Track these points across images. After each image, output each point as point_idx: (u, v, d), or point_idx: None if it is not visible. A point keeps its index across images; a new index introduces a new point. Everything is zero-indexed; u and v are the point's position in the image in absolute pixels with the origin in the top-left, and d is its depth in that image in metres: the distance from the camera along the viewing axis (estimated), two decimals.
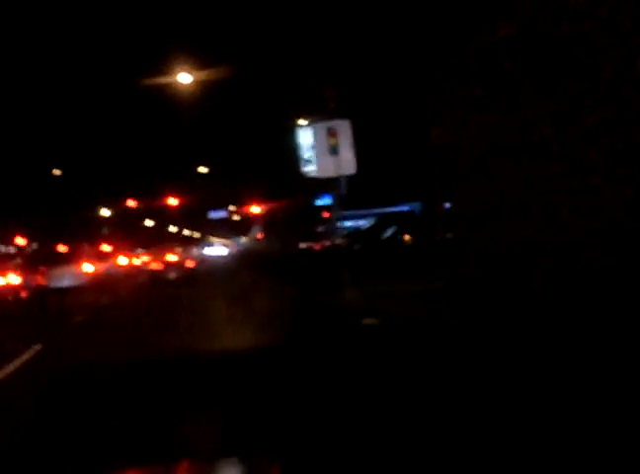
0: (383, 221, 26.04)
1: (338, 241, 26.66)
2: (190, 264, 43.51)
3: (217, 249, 74.73)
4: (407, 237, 22.47)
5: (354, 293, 14.95)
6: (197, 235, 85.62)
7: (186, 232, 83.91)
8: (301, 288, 18.68)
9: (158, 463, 3.22)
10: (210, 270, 43.47)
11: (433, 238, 20.32)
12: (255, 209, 51.16)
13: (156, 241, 58.92)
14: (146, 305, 21.60)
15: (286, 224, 42.94)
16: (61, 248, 38.55)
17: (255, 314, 14.75)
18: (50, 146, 46.64)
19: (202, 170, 55.54)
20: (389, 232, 23.34)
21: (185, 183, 55.59)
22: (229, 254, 65.61)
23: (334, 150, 14.39)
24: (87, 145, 49.39)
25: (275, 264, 28.99)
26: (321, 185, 43.62)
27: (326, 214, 43.00)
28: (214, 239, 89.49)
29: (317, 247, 33.29)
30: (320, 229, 40.66)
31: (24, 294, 30.49)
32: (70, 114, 47.66)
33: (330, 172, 14.54)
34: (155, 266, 43.21)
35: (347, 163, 14.71)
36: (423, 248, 20.53)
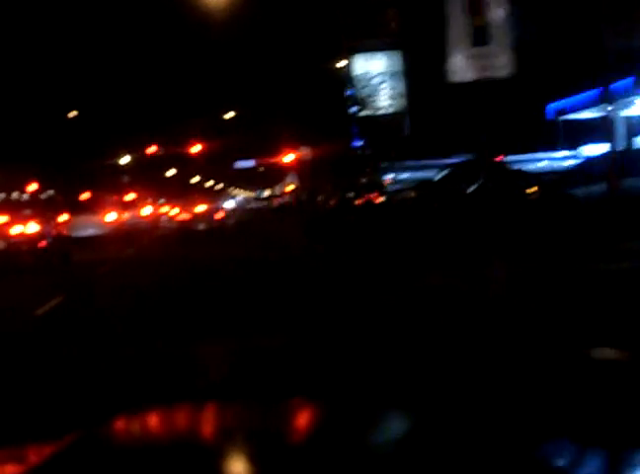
0: (462, 170, 21.43)
1: (402, 194, 22.63)
2: (219, 215, 40.16)
3: (240, 201, 71.16)
4: (533, 189, 17.59)
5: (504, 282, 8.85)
6: (219, 187, 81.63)
7: (209, 183, 79.66)
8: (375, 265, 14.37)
9: (185, 402, 2.98)
10: (242, 223, 40.40)
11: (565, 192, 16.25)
12: (288, 158, 46.03)
13: (178, 192, 55.45)
14: (174, 259, 20.27)
15: (327, 174, 38.58)
16: (83, 196, 35.47)
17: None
18: (66, 85, 42.71)
19: (229, 115, 51.40)
20: (476, 185, 18.92)
21: (210, 129, 51.51)
22: (255, 207, 61.97)
23: (481, 36, 9.93)
24: (105, 85, 45.42)
25: (318, 222, 25.01)
26: (376, 125, 39.57)
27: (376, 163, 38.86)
28: (239, 191, 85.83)
29: (374, 200, 29.43)
30: (366, 180, 36.64)
31: (42, 244, 26.98)
32: (87, 51, 43.70)
33: (470, 73, 10.00)
34: (183, 216, 40.33)
35: (501, 58, 10.14)
36: (563, 206, 15.93)
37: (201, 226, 39.23)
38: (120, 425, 2.16)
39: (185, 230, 38.52)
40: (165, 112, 50.15)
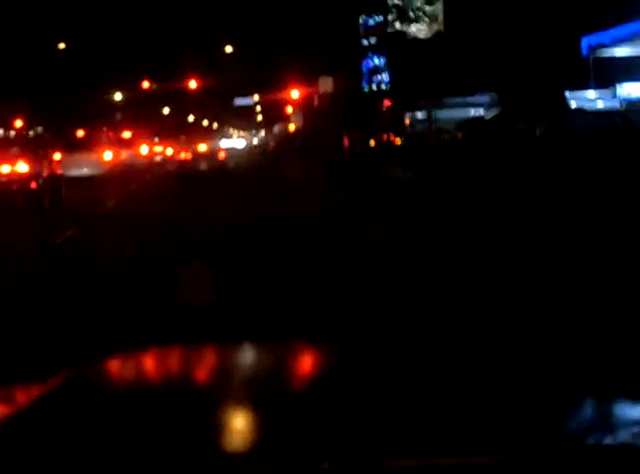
0: (513, 109, 18.97)
1: (446, 135, 20.11)
2: (221, 155, 37.69)
3: (236, 142, 68.30)
4: None
5: None
6: (215, 126, 78.34)
7: (205, 122, 76.28)
8: None
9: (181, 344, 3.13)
10: (246, 165, 37.96)
11: None
12: (294, 94, 42.52)
13: (174, 130, 52.64)
14: (176, 200, 19.03)
15: (337, 113, 35.75)
16: (78, 133, 33.17)
17: None
18: (53, 14, 39.68)
19: (228, 49, 48.25)
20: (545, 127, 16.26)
21: (207, 63, 48.49)
22: (250, 147, 59.16)
23: None
24: (96, 14, 42.37)
25: (348, 167, 21.96)
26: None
27: (387, 102, 36.03)
28: (234, 131, 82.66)
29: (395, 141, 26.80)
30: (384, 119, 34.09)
31: (33, 185, 24.86)
32: None
33: None
34: (183, 155, 37.96)
35: None
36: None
37: (203, 166, 36.91)
38: (112, 365, 2.13)
39: (186, 170, 36.41)
40: (159, 45, 47.26)
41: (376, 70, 39.54)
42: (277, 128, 64.90)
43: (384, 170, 18.22)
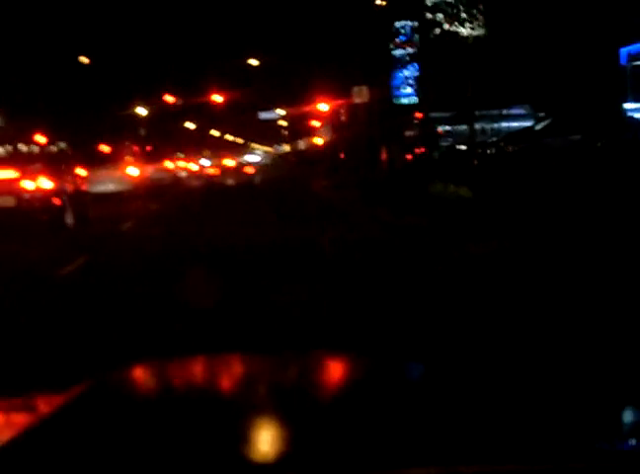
0: (563, 121, 17.82)
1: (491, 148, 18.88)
2: (249, 170, 36.97)
3: (259, 156, 67.31)
4: None
5: None
6: (240, 140, 77.32)
7: (229, 136, 75.12)
8: None
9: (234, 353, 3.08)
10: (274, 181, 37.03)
11: None
12: (322, 106, 40.95)
13: (199, 145, 51.76)
14: (206, 217, 17.96)
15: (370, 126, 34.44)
16: (103, 148, 32.54)
17: None
18: (77, 27, 38.95)
19: (253, 62, 47.29)
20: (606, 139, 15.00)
21: (232, 77, 47.55)
22: (276, 161, 57.92)
23: None
24: (119, 28, 41.62)
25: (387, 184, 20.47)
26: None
27: (419, 114, 34.79)
28: (257, 145, 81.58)
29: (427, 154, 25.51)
30: (411, 133, 32.90)
31: (57, 201, 24.23)
32: None
33: None
34: (210, 170, 37.35)
35: None
36: None
37: (230, 181, 36.33)
38: (135, 373, 2.09)
39: (213, 185, 36.05)
40: (184, 58, 46.44)
41: (406, 81, 38.42)
42: (302, 143, 63.74)
43: (432, 187, 16.82)
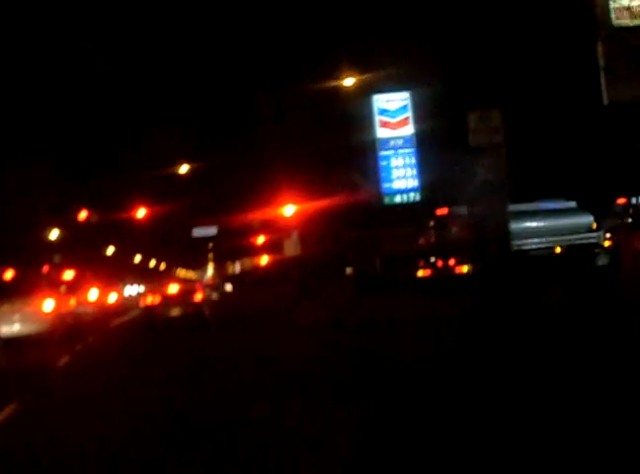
0: None
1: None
2: (198, 297, 29.63)
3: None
4: None
5: None
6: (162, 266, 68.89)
7: (151, 263, 66.07)
8: None
9: None
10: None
11: None
12: (288, 210, 33.19)
13: (124, 270, 44.02)
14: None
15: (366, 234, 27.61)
16: (7, 275, 25.38)
17: None
18: None
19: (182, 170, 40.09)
20: None
21: (156, 188, 40.44)
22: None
23: None
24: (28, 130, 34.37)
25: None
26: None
27: (442, 210, 27.88)
28: (185, 271, 73.37)
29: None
30: (425, 239, 26.49)
31: None
32: None
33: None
34: (149, 300, 29.74)
35: None
36: None
37: (175, 312, 28.86)
38: None
39: (152, 318, 28.72)
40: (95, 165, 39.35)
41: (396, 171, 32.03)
42: (239, 264, 55.32)
43: None
